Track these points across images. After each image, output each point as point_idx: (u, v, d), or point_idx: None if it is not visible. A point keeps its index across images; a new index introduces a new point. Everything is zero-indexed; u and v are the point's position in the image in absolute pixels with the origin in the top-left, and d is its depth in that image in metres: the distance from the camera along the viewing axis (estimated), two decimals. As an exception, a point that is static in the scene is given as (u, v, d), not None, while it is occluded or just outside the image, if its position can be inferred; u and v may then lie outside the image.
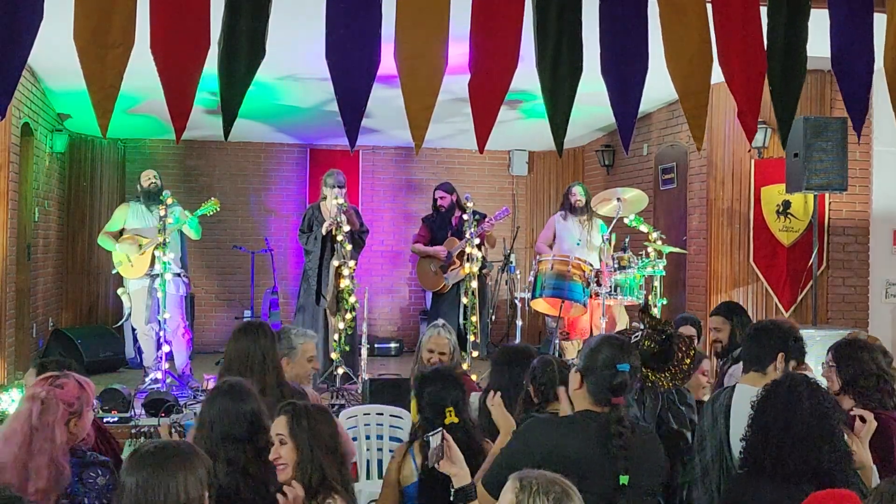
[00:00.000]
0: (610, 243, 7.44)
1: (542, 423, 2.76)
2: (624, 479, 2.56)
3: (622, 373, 2.64)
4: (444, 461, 2.53)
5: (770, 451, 2.68)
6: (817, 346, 5.37)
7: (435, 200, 8.20)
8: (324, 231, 7.29)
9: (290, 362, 4.14)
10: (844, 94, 3.39)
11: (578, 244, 7.76)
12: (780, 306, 7.81)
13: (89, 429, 3.24)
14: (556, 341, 7.35)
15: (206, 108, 7.15)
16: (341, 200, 7.26)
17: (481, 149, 3.13)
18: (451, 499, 2.50)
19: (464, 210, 7.51)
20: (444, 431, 2.57)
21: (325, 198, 7.48)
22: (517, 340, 7.79)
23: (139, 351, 7.79)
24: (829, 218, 7.97)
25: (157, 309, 7.03)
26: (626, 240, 7.54)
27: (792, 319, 5.33)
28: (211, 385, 6.53)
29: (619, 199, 7.55)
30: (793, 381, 2.78)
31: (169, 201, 6.93)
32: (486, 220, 7.56)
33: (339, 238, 7.18)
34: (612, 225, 7.57)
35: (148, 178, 7.45)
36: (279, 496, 2.59)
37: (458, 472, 2.56)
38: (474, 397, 4.01)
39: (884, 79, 3.61)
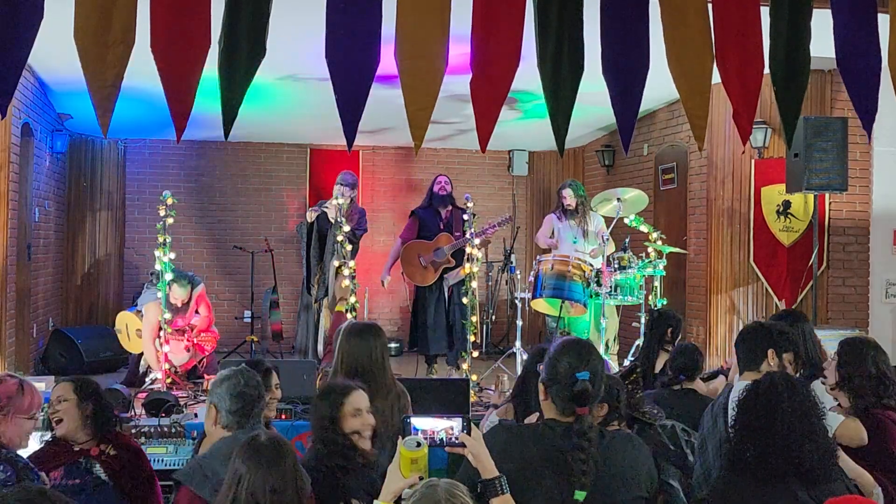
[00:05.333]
0: (605, 240, 7.45)
1: (501, 429, 2.65)
2: (580, 495, 2.42)
3: (582, 381, 2.53)
4: (467, 449, 2.38)
5: (753, 450, 2.68)
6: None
7: (432, 187, 7.93)
8: (308, 218, 7.36)
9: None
10: (853, 96, 3.37)
11: (575, 241, 7.76)
12: (780, 306, 7.80)
13: (22, 438, 3.19)
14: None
15: (205, 108, 7.15)
16: (341, 200, 7.26)
17: (483, 148, 3.12)
18: (478, 492, 2.35)
19: (456, 206, 7.48)
20: (469, 417, 2.46)
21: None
22: (517, 341, 7.79)
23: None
24: (830, 218, 7.97)
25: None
26: (626, 240, 7.54)
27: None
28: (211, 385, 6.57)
29: (619, 200, 7.55)
30: (772, 381, 2.79)
31: (169, 201, 6.92)
32: (490, 225, 7.50)
33: (339, 238, 7.19)
34: (611, 226, 7.57)
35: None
36: None
37: (483, 462, 2.37)
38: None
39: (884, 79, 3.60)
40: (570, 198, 7.84)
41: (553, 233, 7.96)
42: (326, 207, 7.34)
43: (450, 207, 7.79)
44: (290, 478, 2.55)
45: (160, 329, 6.94)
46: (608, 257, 7.38)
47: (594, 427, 2.54)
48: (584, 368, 2.55)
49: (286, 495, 2.53)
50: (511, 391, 4.26)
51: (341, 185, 7.40)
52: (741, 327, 7.72)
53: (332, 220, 7.27)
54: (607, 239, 7.54)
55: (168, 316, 6.95)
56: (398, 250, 7.80)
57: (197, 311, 7.38)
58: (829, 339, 6.36)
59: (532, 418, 3.47)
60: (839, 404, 3.64)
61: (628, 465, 2.59)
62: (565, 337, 2.80)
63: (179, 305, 7.21)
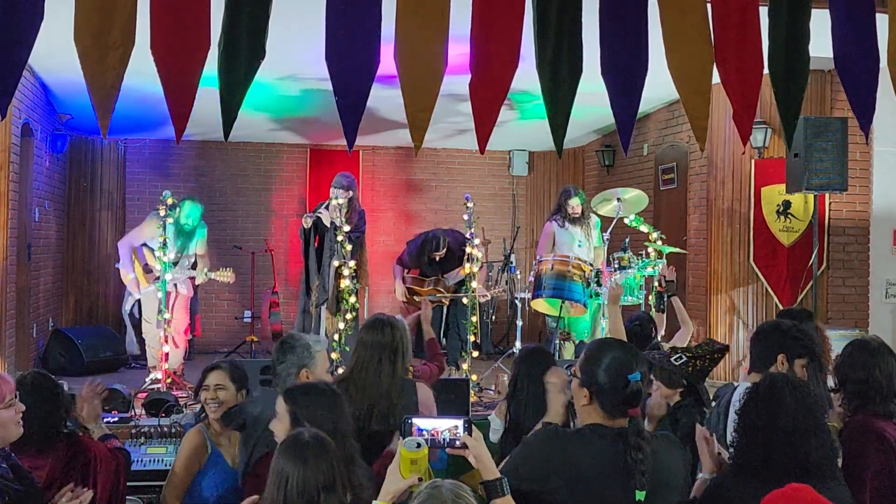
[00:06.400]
0: (605, 241, 7.47)
1: (550, 436, 2.61)
2: (640, 495, 2.41)
3: (635, 382, 2.48)
4: (469, 451, 2.34)
5: (757, 449, 2.67)
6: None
7: (423, 247, 7.79)
8: (306, 223, 7.36)
9: (310, 373, 3.56)
10: (850, 96, 3.37)
11: (580, 245, 7.74)
12: (780, 306, 7.80)
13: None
14: (557, 341, 7.35)
15: (205, 108, 7.14)
16: (341, 201, 7.27)
17: (482, 149, 3.13)
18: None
19: (451, 249, 7.50)
20: (470, 418, 2.43)
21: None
22: (517, 341, 7.79)
23: (142, 343, 7.73)
24: (830, 218, 7.97)
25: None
26: (626, 240, 7.54)
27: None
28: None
29: (619, 200, 7.54)
30: (773, 380, 2.78)
31: (169, 201, 6.92)
32: (488, 284, 7.64)
33: (339, 238, 7.20)
34: (611, 226, 7.56)
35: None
36: None
37: (485, 463, 2.34)
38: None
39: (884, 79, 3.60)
40: (576, 206, 7.79)
41: (553, 244, 7.85)
42: (320, 213, 7.32)
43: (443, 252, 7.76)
44: (338, 473, 2.53)
45: (157, 278, 6.95)
46: (608, 257, 7.39)
47: (644, 427, 2.51)
48: (634, 369, 2.51)
49: (336, 491, 2.52)
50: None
51: (335, 187, 7.38)
52: (741, 327, 7.79)
53: (328, 225, 7.27)
54: (607, 240, 7.56)
55: (167, 316, 6.94)
56: (401, 271, 7.96)
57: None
58: (831, 340, 6.36)
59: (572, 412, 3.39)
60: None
61: (673, 468, 2.59)
62: (599, 339, 2.75)
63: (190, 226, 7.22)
